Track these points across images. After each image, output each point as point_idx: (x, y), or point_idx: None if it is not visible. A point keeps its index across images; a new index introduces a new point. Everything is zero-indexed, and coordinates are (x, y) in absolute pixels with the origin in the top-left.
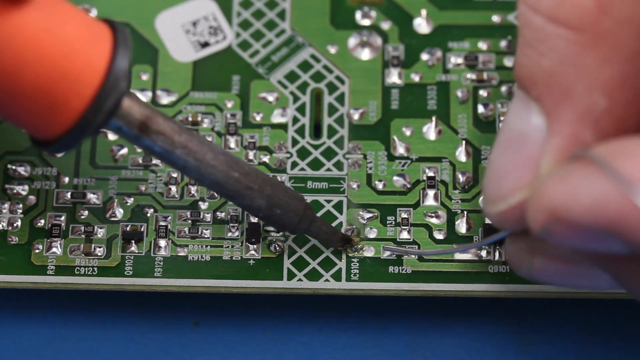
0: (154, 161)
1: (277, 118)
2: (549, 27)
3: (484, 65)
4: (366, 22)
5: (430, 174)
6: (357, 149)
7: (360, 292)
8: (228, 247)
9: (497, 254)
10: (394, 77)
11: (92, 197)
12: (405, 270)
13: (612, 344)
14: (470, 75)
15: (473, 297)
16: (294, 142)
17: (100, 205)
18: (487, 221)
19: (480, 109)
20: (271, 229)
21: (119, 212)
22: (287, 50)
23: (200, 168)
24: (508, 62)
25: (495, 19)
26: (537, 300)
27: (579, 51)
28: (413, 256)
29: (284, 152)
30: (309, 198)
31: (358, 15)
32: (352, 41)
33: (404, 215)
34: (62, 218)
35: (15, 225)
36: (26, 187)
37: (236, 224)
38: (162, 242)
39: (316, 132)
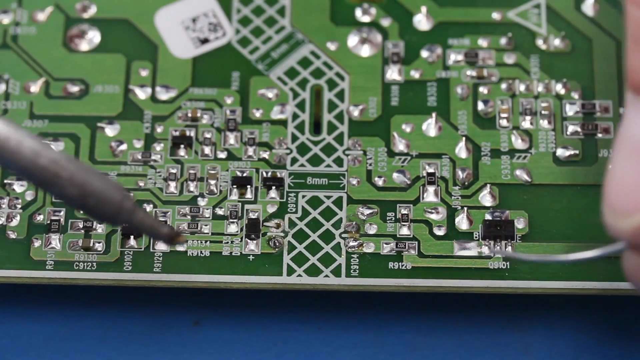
0: (154, 157)
1: (276, 114)
2: None
3: (484, 62)
4: (366, 19)
5: (430, 170)
6: (357, 145)
7: (360, 287)
8: (227, 242)
9: (497, 249)
10: (394, 73)
11: None
12: (405, 266)
13: (613, 341)
14: (470, 72)
15: (473, 293)
16: (294, 138)
17: None
18: (487, 217)
19: (480, 105)
20: (270, 224)
21: None
22: (287, 47)
23: (2, 154)
24: (508, 59)
25: (496, 16)
26: (538, 297)
27: None
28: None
29: (283, 148)
30: (308, 194)
31: (358, 12)
32: (352, 38)
33: (404, 212)
34: (61, 213)
35: (14, 220)
36: (25, 182)
37: (235, 220)
38: None
39: (316, 128)
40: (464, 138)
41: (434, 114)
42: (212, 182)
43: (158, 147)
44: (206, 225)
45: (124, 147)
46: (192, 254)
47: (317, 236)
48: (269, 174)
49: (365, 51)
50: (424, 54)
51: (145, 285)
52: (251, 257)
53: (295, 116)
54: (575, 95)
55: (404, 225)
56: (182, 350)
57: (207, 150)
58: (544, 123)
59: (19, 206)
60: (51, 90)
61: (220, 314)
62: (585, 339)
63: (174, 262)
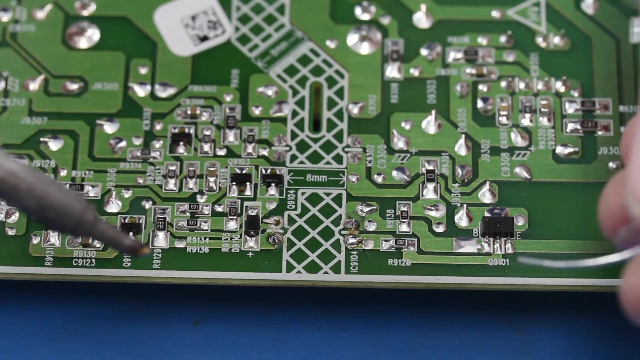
0: (153, 154)
1: (276, 112)
2: None
3: (484, 60)
4: (366, 17)
5: (430, 167)
6: (357, 143)
7: (359, 284)
8: (227, 239)
9: (496, 247)
10: (393, 71)
11: (90, 189)
12: (405, 263)
13: (613, 341)
14: (470, 70)
15: (472, 290)
16: (294, 135)
17: (99, 197)
18: (487, 215)
19: (480, 103)
20: (270, 221)
21: (117, 205)
22: (287, 45)
23: None
24: (507, 56)
25: (495, 14)
26: (538, 296)
27: None
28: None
29: (283, 145)
30: (308, 191)
31: (358, 10)
32: (352, 36)
33: (404, 209)
34: None
35: (13, 216)
36: None
37: (235, 217)
38: (161, 235)
39: (315, 125)
40: (463, 135)
41: (433, 112)
42: (212, 179)
43: (157, 144)
44: (205, 222)
45: (123, 144)
46: (192, 250)
47: (317, 233)
48: (269, 171)
49: (365, 49)
50: (424, 51)
51: (144, 282)
52: (250, 254)
53: (294, 113)
54: (575, 93)
55: (403, 222)
56: (182, 350)
57: (206, 147)
58: (544, 121)
59: None
60: (50, 87)
61: (220, 313)
62: (586, 339)
63: (173, 259)
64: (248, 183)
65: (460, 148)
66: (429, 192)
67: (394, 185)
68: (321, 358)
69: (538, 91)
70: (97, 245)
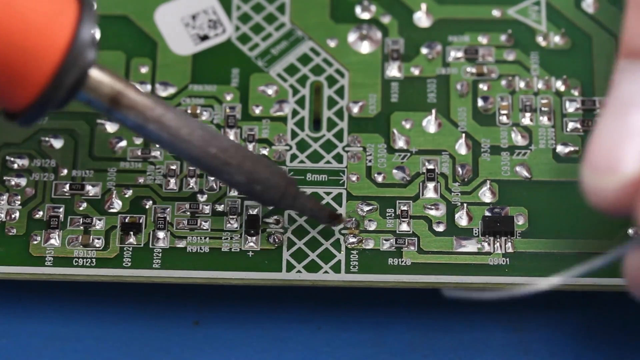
0: (153, 153)
1: (276, 111)
2: None
3: (484, 59)
4: (366, 16)
5: (430, 166)
6: (357, 142)
7: (359, 284)
8: (227, 238)
9: (497, 246)
10: (393, 70)
11: (90, 188)
12: (405, 262)
13: (613, 340)
14: (470, 69)
15: (472, 289)
16: (294, 134)
17: (99, 197)
18: (487, 214)
19: (480, 102)
20: (270, 220)
21: (118, 204)
22: (287, 44)
23: (175, 143)
24: (508, 55)
25: (495, 13)
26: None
27: None
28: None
29: (283, 144)
30: (308, 190)
31: (358, 9)
32: (352, 35)
33: (404, 208)
34: (61, 210)
35: (13, 216)
36: (24, 178)
37: (235, 216)
38: (161, 234)
39: (316, 125)
40: (463, 134)
41: (433, 111)
42: (212, 178)
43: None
44: (206, 221)
45: (123, 143)
46: (192, 250)
47: (317, 232)
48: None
49: (365, 48)
50: (424, 50)
51: (144, 282)
52: (250, 254)
53: (295, 113)
54: (575, 92)
55: (403, 221)
56: (182, 350)
57: None
58: (544, 120)
59: (19, 202)
60: None
61: (220, 313)
62: (586, 339)
63: (174, 259)
64: None
65: (461, 147)
66: (429, 191)
67: (394, 184)
68: (321, 358)
69: (538, 90)
70: (98, 245)
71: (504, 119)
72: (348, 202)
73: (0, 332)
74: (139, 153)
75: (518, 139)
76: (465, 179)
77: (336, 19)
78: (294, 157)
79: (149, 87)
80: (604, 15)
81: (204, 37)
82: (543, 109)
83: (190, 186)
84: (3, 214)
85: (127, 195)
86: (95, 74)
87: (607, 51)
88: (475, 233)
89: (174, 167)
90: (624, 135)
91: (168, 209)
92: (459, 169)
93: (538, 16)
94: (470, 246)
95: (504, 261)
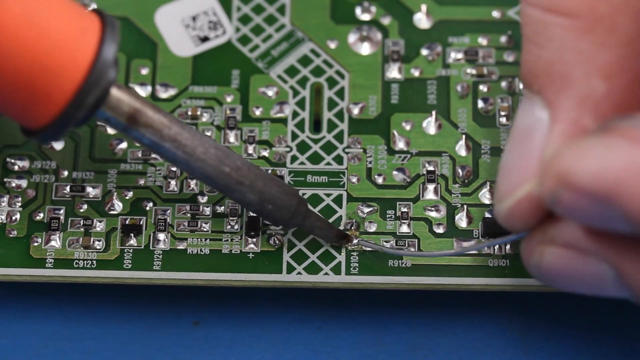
0: (154, 155)
1: (277, 112)
2: (546, 17)
3: (484, 60)
4: (366, 17)
5: (430, 168)
6: (357, 143)
7: (359, 285)
8: (227, 240)
9: (497, 247)
10: (394, 71)
11: (91, 190)
12: (405, 264)
13: (613, 341)
14: (470, 70)
15: (473, 290)
16: (294, 136)
17: (99, 198)
18: (487, 215)
19: (480, 103)
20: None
21: (118, 206)
22: (287, 45)
23: (190, 162)
24: (508, 57)
25: (495, 14)
26: (538, 296)
27: (576, 37)
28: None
29: (283, 146)
30: (308, 192)
31: (358, 10)
32: (352, 36)
33: (404, 209)
34: (61, 211)
35: (14, 218)
36: (25, 180)
37: (235, 218)
38: (161, 236)
39: (316, 126)
40: (464, 136)
41: (434, 112)
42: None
43: None
44: (206, 223)
45: (124, 145)
46: (192, 252)
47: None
48: (269, 171)
49: (365, 49)
50: (424, 52)
51: (145, 284)
52: (251, 255)
53: (295, 114)
54: None
55: (403, 223)
56: (182, 350)
57: None
58: None
59: (19, 204)
60: None
61: (220, 314)
62: (585, 339)
63: (174, 260)
64: None
65: (461, 148)
66: (430, 192)
67: (394, 186)
68: (321, 358)
69: None
70: (98, 247)
71: (504, 120)
72: (348, 203)
73: (0, 332)
74: (140, 155)
75: None
76: (466, 181)
77: (336, 20)
78: (294, 158)
79: (149, 88)
80: None
81: (204, 39)
82: None
83: (191, 188)
84: (4, 215)
85: (127, 197)
86: (115, 92)
87: None
88: (476, 234)
89: (174, 169)
90: (517, 163)
91: (168, 211)
92: (459, 171)
93: None
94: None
95: (504, 263)
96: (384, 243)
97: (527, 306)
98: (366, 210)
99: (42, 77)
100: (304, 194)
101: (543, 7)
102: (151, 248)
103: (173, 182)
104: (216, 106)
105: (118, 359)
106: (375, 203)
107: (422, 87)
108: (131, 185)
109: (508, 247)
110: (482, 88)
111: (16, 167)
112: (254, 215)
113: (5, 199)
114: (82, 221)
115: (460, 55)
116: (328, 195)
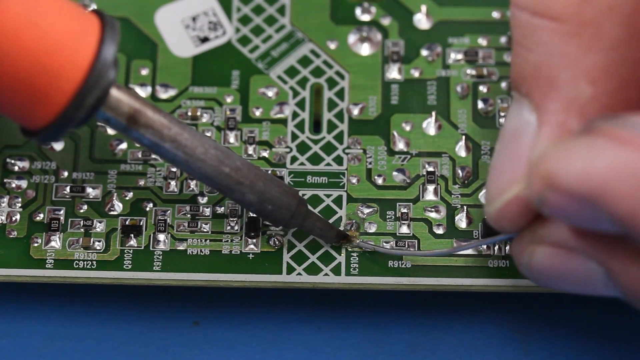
0: (154, 155)
1: (277, 113)
2: (533, 21)
3: (484, 61)
4: (366, 18)
5: (430, 168)
6: (357, 144)
7: (359, 286)
8: (227, 241)
9: (496, 248)
10: (393, 72)
11: (91, 191)
12: (405, 265)
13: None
14: (470, 71)
15: (473, 291)
16: (294, 136)
17: (99, 199)
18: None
19: (480, 104)
20: (270, 223)
21: (118, 206)
22: (287, 46)
23: (189, 162)
24: (508, 58)
25: (495, 15)
26: (538, 297)
27: (562, 41)
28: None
29: (283, 146)
30: (308, 192)
31: (358, 10)
32: (352, 37)
33: (404, 210)
34: (61, 212)
35: (14, 219)
36: (25, 181)
37: (235, 218)
38: (161, 236)
39: (316, 127)
40: (463, 137)
41: (433, 113)
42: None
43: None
44: (206, 223)
45: (124, 145)
46: (192, 252)
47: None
48: (269, 172)
49: (365, 50)
50: (424, 52)
51: (145, 284)
52: (251, 256)
53: (295, 115)
54: None
55: (403, 223)
56: (182, 350)
57: None
58: None
59: (19, 205)
60: None
61: (220, 314)
62: (585, 339)
63: (174, 261)
64: None
65: (461, 149)
66: (429, 193)
67: (394, 186)
68: (321, 358)
69: None
70: (98, 248)
71: (504, 121)
72: (348, 204)
73: (0, 332)
74: (140, 155)
75: None
76: (466, 181)
77: (336, 20)
78: (294, 159)
79: (149, 89)
80: None
81: (204, 39)
82: None
83: (191, 188)
84: (4, 216)
85: (127, 198)
86: (115, 93)
87: None
88: (475, 235)
89: (174, 170)
90: (505, 165)
91: (168, 212)
92: (459, 171)
93: None
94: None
95: (504, 263)
96: (384, 244)
97: (526, 307)
98: (366, 211)
99: (41, 77)
100: (304, 195)
101: (531, 10)
102: (151, 249)
103: (173, 183)
104: (216, 107)
105: (118, 359)
106: (375, 204)
107: (422, 87)
108: (131, 185)
109: (508, 247)
110: (482, 89)
111: (16, 168)
112: (254, 215)
113: (5, 199)
114: (82, 222)
115: (460, 56)
116: (328, 196)
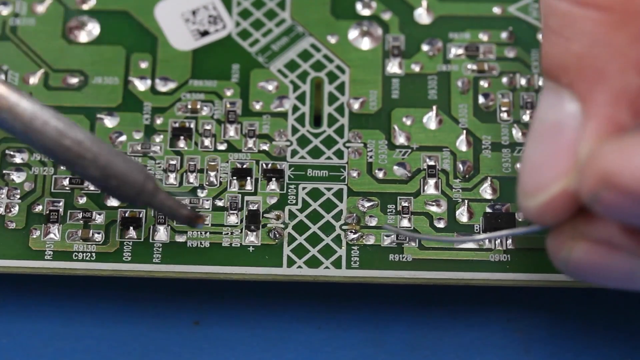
0: (153, 148)
1: (277, 107)
2: (575, 10)
3: (485, 56)
4: (366, 12)
5: (431, 163)
6: (358, 138)
7: (360, 279)
8: (227, 233)
9: (497, 242)
10: (394, 67)
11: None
12: (406, 258)
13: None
14: (471, 66)
15: (473, 285)
16: (294, 130)
17: (99, 191)
18: (488, 210)
19: (481, 99)
20: (270, 216)
21: None
22: (287, 40)
23: (28, 133)
24: (509, 53)
25: (496, 10)
26: (538, 296)
27: (609, 31)
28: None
29: (284, 140)
30: (309, 186)
31: (358, 5)
32: (353, 31)
33: (405, 204)
34: (60, 204)
35: (13, 210)
36: (24, 172)
37: (235, 211)
38: (161, 228)
39: (316, 121)
40: (464, 131)
41: (434, 107)
42: (212, 173)
43: (158, 138)
44: (206, 216)
45: (123, 138)
46: (192, 245)
47: (318, 228)
48: (269, 165)
49: (366, 44)
50: (425, 47)
51: (144, 276)
52: (251, 249)
53: (295, 108)
54: None
55: (404, 217)
56: (182, 350)
57: (207, 142)
58: None
59: (18, 196)
60: (50, 81)
61: (221, 313)
62: (585, 339)
63: (174, 253)
64: (249, 178)
65: (461, 144)
66: (430, 187)
67: (395, 180)
68: (321, 358)
69: (539, 87)
70: (97, 239)
71: (504, 115)
72: (349, 198)
73: (0, 332)
74: (139, 148)
75: (519, 135)
76: (467, 176)
77: (337, 15)
78: (294, 152)
79: (149, 82)
80: None
81: (204, 33)
82: None
83: (191, 181)
84: (2, 207)
85: None
86: None
87: None
88: (476, 229)
89: (173, 162)
90: (546, 159)
91: None
92: (460, 166)
93: (539, 13)
94: (471, 242)
95: (505, 257)
96: (385, 237)
97: (527, 304)
98: (367, 204)
99: None
100: (304, 188)
101: (571, 0)
102: (151, 241)
103: (172, 175)
104: (216, 100)
105: (118, 359)
106: (375, 197)
107: (422, 82)
108: None
109: (509, 241)
110: (483, 84)
111: (15, 160)
112: (254, 209)
113: (4, 191)
114: (81, 213)
115: (460, 51)
116: (329, 189)
